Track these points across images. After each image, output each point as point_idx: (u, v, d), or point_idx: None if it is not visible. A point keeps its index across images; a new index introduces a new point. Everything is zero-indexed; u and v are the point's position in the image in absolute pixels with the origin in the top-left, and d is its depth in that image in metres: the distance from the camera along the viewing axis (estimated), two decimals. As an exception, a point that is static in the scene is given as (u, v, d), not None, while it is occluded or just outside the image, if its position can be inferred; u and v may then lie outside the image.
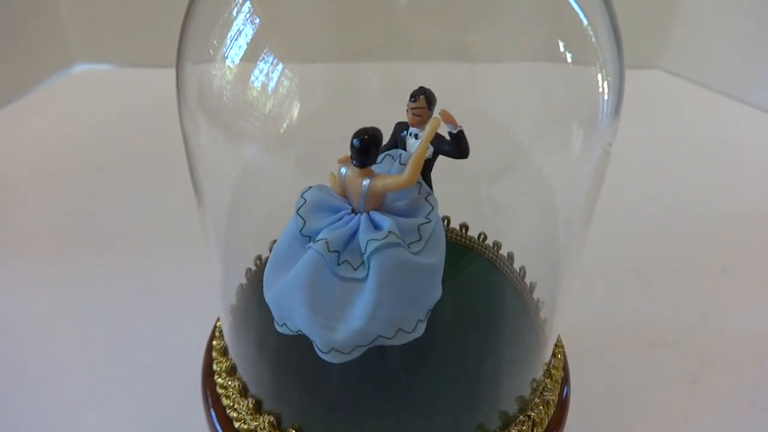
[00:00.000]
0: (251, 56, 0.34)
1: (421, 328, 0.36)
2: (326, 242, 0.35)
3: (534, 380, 0.43)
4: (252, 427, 0.41)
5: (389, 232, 0.34)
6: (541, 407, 0.42)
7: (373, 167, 0.37)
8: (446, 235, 0.39)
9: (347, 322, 0.35)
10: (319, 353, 0.35)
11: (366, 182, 0.35)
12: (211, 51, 0.35)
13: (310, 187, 0.38)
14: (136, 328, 0.68)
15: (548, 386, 0.44)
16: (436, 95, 0.35)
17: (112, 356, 0.65)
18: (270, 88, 0.35)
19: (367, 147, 0.34)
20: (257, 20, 0.34)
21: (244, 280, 0.50)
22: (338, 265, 0.35)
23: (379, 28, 0.35)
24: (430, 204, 0.37)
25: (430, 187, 0.39)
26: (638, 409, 0.61)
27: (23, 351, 0.66)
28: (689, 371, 0.66)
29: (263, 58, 0.35)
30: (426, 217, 0.37)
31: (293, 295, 0.35)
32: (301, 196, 0.37)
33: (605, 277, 0.78)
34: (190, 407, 0.57)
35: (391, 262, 0.34)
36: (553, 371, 0.45)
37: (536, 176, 0.38)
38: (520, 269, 0.49)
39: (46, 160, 1.00)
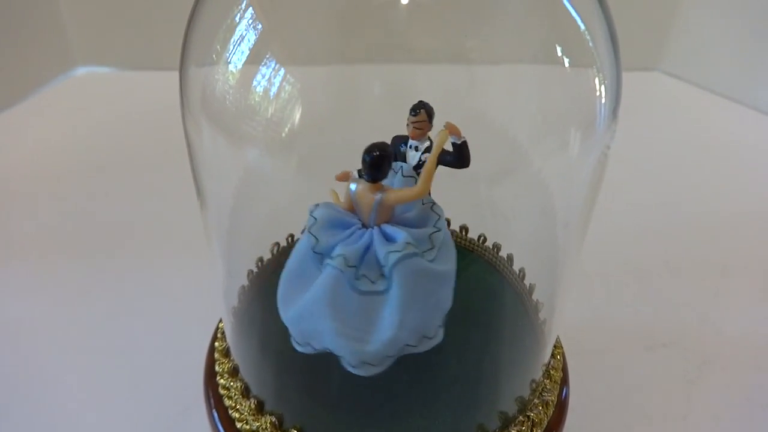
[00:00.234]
0: (254, 61, 0.35)
1: (441, 334, 0.37)
2: (344, 258, 0.35)
3: (533, 381, 0.44)
4: (254, 428, 0.41)
5: (407, 243, 0.35)
6: (541, 408, 0.43)
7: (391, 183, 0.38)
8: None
9: (376, 333, 0.36)
10: (348, 368, 0.36)
11: (379, 197, 0.36)
12: (214, 56, 0.35)
13: (317, 205, 0.38)
14: (138, 330, 0.68)
15: (547, 387, 0.44)
16: (436, 99, 0.35)
17: (113, 358, 0.65)
18: (272, 93, 0.35)
19: (379, 162, 0.34)
20: (260, 26, 0.35)
21: (246, 282, 0.50)
22: (357, 279, 0.36)
23: (380, 33, 0.35)
24: (437, 213, 0.38)
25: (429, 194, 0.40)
26: (637, 410, 0.62)
27: (25, 352, 0.66)
28: (688, 372, 0.66)
29: (265, 63, 0.35)
30: (435, 226, 0.37)
31: (318, 312, 0.36)
32: (311, 215, 0.38)
33: (605, 278, 0.78)
34: (192, 408, 0.57)
35: (413, 272, 0.35)
36: (552, 372, 0.45)
37: (535, 179, 0.39)
38: (519, 271, 0.50)
39: (48, 162, 1.01)
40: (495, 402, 0.42)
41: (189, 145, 0.39)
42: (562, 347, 0.49)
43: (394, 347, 0.36)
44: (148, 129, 1.09)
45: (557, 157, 0.37)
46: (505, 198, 0.37)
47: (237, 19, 0.35)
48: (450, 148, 0.38)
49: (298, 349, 0.38)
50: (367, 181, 0.35)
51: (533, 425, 0.42)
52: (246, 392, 0.43)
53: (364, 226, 0.37)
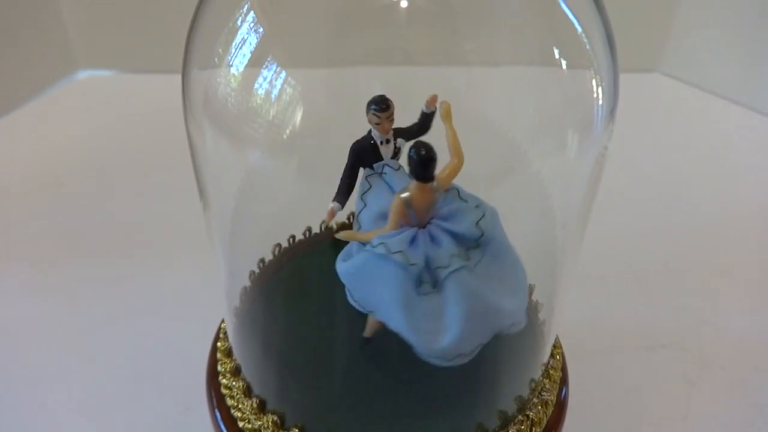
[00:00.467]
0: (255, 64, 0.35)
1: (524, 320, 0.40)
2: (404, 254, 0.36)
3: (532, 380, 0.44)
4: (256, 427, 0.42)
5: (453, 255, 0.36)
6: (540, 407, 0.43)
7: (386, 185, 0.39)
8: None
9: (446, 337, 0.36)
10: (423, 358, 0.37)
11: (435, 184, 0.36)
12: (216, 59, 0.36)
13: (382, 243, 0.38)
14: (141, 330, 0.69)
15: (546, 386, 0.44)
16: (437, 96, 0.36)
17: (116, 358, 0.65)
18: (273, 95, 0.36)
19: (429, 160, 0.35)
20: (261, 29, 0.35)
21: (248, 283, 0.51)
22: (419, 285, 0.37)
23: (380, 36, 0.36)
24: (463, 199, 0.38)
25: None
26: (636, 410, 0.62)
27: (28, 352, 0.66)
28: (687, 373, 0.66)
29: (267, 66, 0.36)
30: (477, 225, 0.37)
31: (391, 308, 0.36)
32: (383, 246, 0.38)
33: (605, 279, 0.78)
34: (194, 408, 0.58)
35: (466, 291, 0.36)
36: (551, 372, 0.46)
37: (533, 179, 0.39)
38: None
39: (51, 164, 1.01)
40: (494, 401, 0.42)
41: (191, 147, 0.39)
42: (561, 347, 0.50)
43: (463, 347, 0.37)
44: (150, 132, 1.09)
45: (555, 157, 0.38)
46: (504, 199, 0.38)
47: (239, 22, 0.35)
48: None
49: (356, 308, 0.39)
50: (420, 180, 0.36)
51: (532, 424, 0.42)
52: (248, 392, 0.44)
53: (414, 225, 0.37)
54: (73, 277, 0.77)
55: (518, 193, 0.39)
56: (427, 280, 0.37)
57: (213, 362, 0.48)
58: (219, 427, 0.44)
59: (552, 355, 0.47)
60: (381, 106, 0.37)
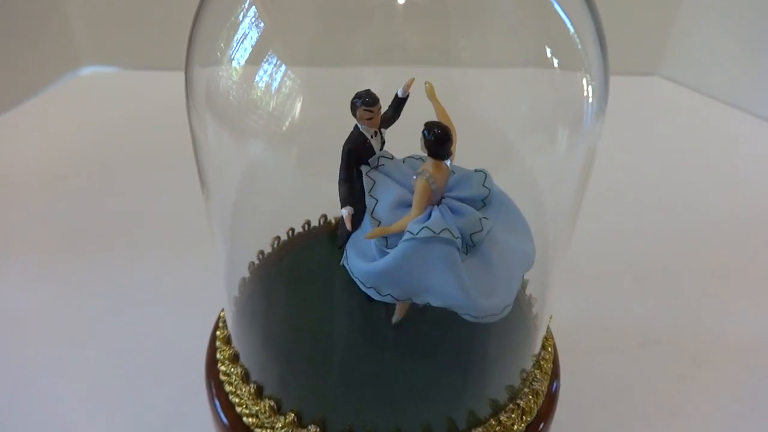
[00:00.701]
0: (256, 58, 0.36)
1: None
2: (449, 230, 0.37)
3: (523, 371, 0.45)
4: (253, 412, 0.43)
5: (483, 218, 0.38)
6: (530, 396, 0.44)
7: (387, 177, 0.40)
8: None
9: (496, 291, 0.39)
10: (469, 318, 0.39)
11: (449, 164, 0.38)
12: (218, 53, 0.37)
13: (422, 227, 0.39)
14: (142, 321, 0.70)
15: (537, 377, 0.45)
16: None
17: (118, 347, 0.67)
18: (273, 89, 0.37)
19: (445, 138, 0.36)
20: (262, 24, 0.36)
21: (246, 274, 0.52)
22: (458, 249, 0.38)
23: (378, 33, 0.37)
24: (457, 170, 0.40)
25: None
26: (627, 406, 0.63)
27: (32, 342, 0.68)
28: (679, 370, 0.67)
29: (267, 60, 0.37)
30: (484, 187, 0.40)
31: (437, 285, 0.38)
32: (429, 230, 0.38)
33: (602, 279, 0.79)
34: (194, 395, 0.59)
35: (498, 244, 0.39)
36: (542, 363, 0.47)
37: (525, 174, 0.40)
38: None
39: (54, 159, 1.02)
40: (485, 390, 0.43)
41: (194, 141, 0.40)
42: (553, 338, 0.51)
43: (509, 299, 0.39)
44: (153, 127, 1.10)
45: (546, 153, 0.39)
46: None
47: (240, 17, 0.36)
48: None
49: (387, 299, 0.39)
50: (436, 158, 0.37)
51: (523, 413, 0.43)
52: (246, 378, 0.45)
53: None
54: (76, 269, 0.78)
55: (511, 187, 0.40)
56: (462, 249, 0.39)
57: (212, 350, 0.49)
58: (217, 412, 0.45)
59: (544, 347, 0.48)
60: (371, 100, 0.37)
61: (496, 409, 0.42)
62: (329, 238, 0.56)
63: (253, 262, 0.52)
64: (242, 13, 0.36)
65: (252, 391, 0.43)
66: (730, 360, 0.69)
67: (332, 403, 0.42)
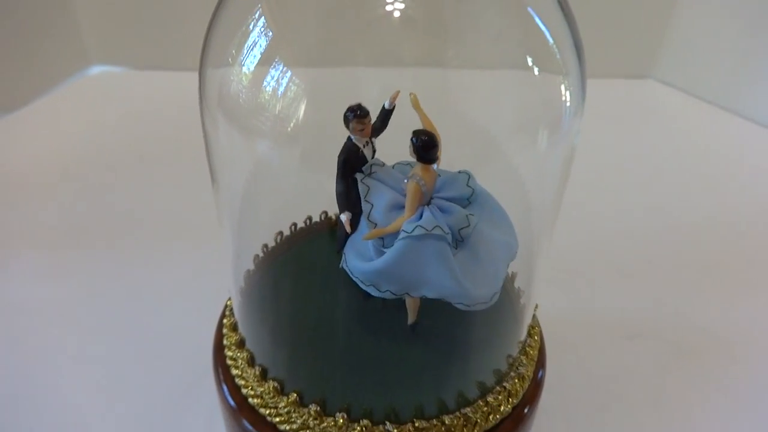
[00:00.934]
0: (264, 64, 0.39)
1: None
2: (440, 227, 0.40)
3: (510, 356, 0.48)
4: (258, 393, 0.46)
5: (469, 215, 0.42)
6: (516, 380, 0.47)
7: (380, 183, 0.43)
8: None
9: (486, 281, 0.42)
10: (461, 307, 0.42)
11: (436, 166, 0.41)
12: (230, 59, 0.40)
13: (416, 227, 0.42)
14: (152, 311, 0.73)
15: (523, 362, 0.48)
16: (422, 99, 0.40)
17: (130, 336, 0.70)
18: (279, 92, 0.40)
19: (431, 144, 0.39)
20: (270, 33, 0.39)
21: (252, 266, 0.55)
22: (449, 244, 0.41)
23: (375, 41, 0.40)
24: (440, 173, 0.43)
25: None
26: (612, 394, 0.65)
27: (46, 331, 0.70)
28: (663, 362, 0.70)
29: (274, 66, 0.40)
30: (468, 186, 0.43)
31: (433, 278, 0.41)
32: (422, 229, 0.41)
33: (591, 276, 0.82)
34: (202, 379, 0.61)
35: (484, 236, 0.42)
36: (528, 349, 0.50)
37: (510, 172, 0.43)
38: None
39: (63, 157, 1.05)
40: (474, 373, 0.46)
41: (206, 138, 0.44)
42: (539, 328, 0.54)
43: (497, 287, 0.43)
44: (160, 126, 1.13)
45: (528, 151, 0.42)
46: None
47: (251, 27, 0.39)
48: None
49: (386, 296, 0.42)
50: (424, 162, 0.40)
51: (509, 395, 0.46)
52: (251, 361, 0.48)
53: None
54: (87, 262, 0.81)
55: (497, 183, 0.43)
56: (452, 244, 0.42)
57: (219, 337, 0.52)
58: (224, 394, 0.48)
59: (530, 335, 0.51)
60: (362, 113, 0.41)
61: (484, 391, 0.45)
62: (329, 233, 0.59)
63: (257, 255, 0.55)
64: (253, 23, 0.39)
65: (257, 373, 0.46)
66: (712, 351, 0.71)
67: (331, 385, 0.45)
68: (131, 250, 0.84)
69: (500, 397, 0.46)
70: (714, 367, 0.70)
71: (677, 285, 0.82)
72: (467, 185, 0.43)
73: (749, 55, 1.24)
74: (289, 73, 0.40)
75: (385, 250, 0.42)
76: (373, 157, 0.44)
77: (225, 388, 0.49)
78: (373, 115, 0.41)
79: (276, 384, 0.45)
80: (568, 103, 0.40)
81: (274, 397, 0.45)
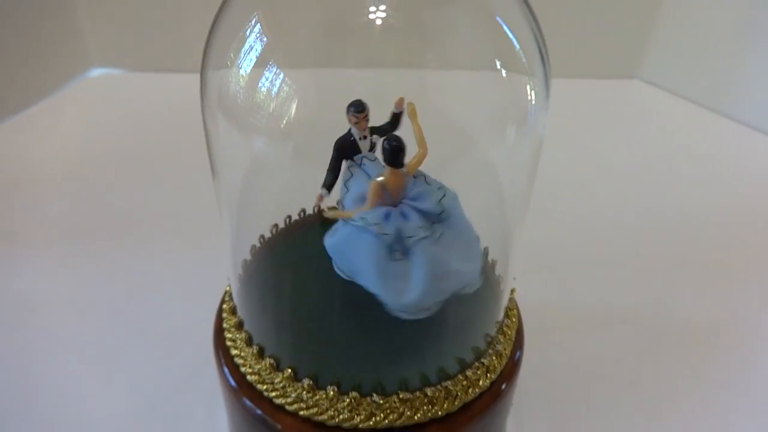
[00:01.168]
0: (259, 66, 0.44)
1: (478, 283, 0.48)
2: (381, 226, 0.44)
3: (488, 335, 0.52)
4: (255, 370, 0.49)
5: (419, 227, 0.44)
6: (494, 357, 0.51)
7: (364, 174, 0.47)
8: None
9: (410, 293, 0.45)
10: (392, 312, 0.45)
11: (405, 170, 0.44)
12: (228, 62, 0.44)
13: (362, 218, 0.46)
14: (154, 303, 0.77)
15: (500, 341, 0.52)
16: (404, 98, 0.45)
17: (135, 326, 0.73)
18: (273, 92, 0.44)
19: (399, 149, 0.43)
20: (265, 38, 0.44)
21: (248, 256, 0.58)
22: (392, 252, 0.45)
23: (360, 45, 0.44)
24: (429, 183, 0.46)
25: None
26: (590, 376, 0.69)
27: (57, 320, 0.74)
28: (640, 346, 0.74)
29: (269, 68, 0.44)
30: (440, 203, 0.46)
31: (369, 273, 0.45)
32: (363, 220, 0.45)
33: (575, 267, 0.86)
34: (203, 368, 0.65)
35: (429, 258, 0.44)
36: (506, 329, 0.53)
37: (484, 162, 0.48)
38: (484, 250, 0.58)
39: (68, 157, 1.08)
40: (454, 350, 0.49)
41: (207, 136, 0.48)
42: (518, 310, 0.58)
43: (426, 302, 0.45)
44: (159, 127, 1.17)
45: (499, 144, 0.46)
46: (462, 178, 0.47)
47: (247, 33, 0.43)
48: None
49: (341, 275, 0.47)
50: (392, 166, 0.44)
51: (487, 371, 0.50)
52: (249, 341, 0.51)
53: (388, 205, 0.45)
54: (92, 257, 0.84)
55: (472, 173, 0.47)
56: (398, 248, 0.45)
57: (219, 321, 0.56)
58: (224, 373, 0.52)
59: (507, 316, 0.55)
60: (358, 108, 0.46)
61: (464, 366, 0.49)
62: (321, 225, 0.62)
63: (254, 245, 0.59)
64: (249, 29, 0.43)
65: (254, 352, 0.50)
66: (688, 338, 0.75)
67: (323, 361, 0.49)
68: (133, 245, 0.87)
69: (479, 372, 0.49)
70: (689, 353, 0.74)
71: (657, 276, 0.86)
72: (439, 203, 0.45)
73: (734, 56, 1.27)
74: (282, 75, 0.44)
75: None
76: (371, 151, 0.48)
77: (226, 370, 0.52)
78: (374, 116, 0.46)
79: (272, 361, 0.48)
80: (533, 101, 0.44)
81: (270, 373, 0.49)
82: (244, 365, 0.51)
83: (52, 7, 1.24)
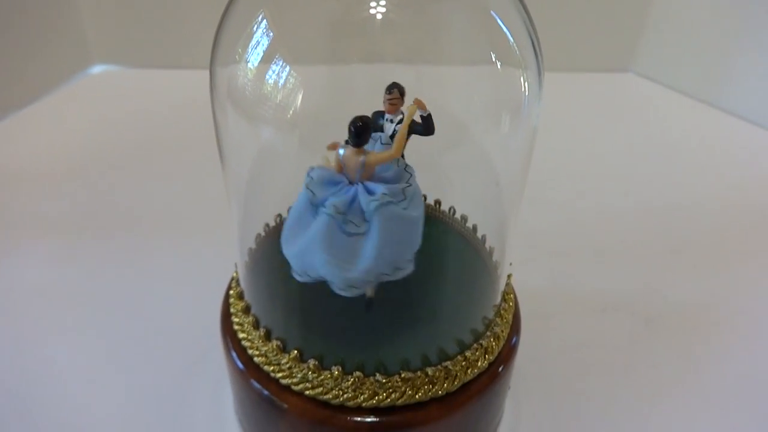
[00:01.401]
0: (266, 60, 0.46)
1: (411, 267, 0.47)
2: (335, 206, 0.45)
3: (486, 318, 0.54)
4: (263, 352, 0.51)
5: (383, 194, 0.45)
6: (492, 339, 0.53)
7: (374, 148, 0.48)
8: (425, 210, 0.49)
9: (359, 264, 0.45)
10: (337, 290, 0.46)
11: (362, 158, 0.45)
12: (236, 56, 0.46)
13: (313, 168, 0.47)
14: (160, 293, 0.78)
15: (498, 323, 0.54)
16: (405, 90, 0.47)
17: (142, 314, 0.75)
18: (280, 84, 0.46)
19: (362, 131, 0.44)
20: (271, 34, 0.46)
21: (254, 245, 0.60)
22: (345, 224, 0.45)
23: (362, 40, 0.46)
24: (409, 172, 0.47)
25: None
26: (584, 361, 0.71)
27: (60, 312, 0.75)
28: (633, 332, 0.75)
29: (275, 62, 0.46)
30: (407, 182, 0.47)
31: (314, 249, 0.45)
32: (308, 174, 0.47)
33: (570, 255, 0.88)
34: (208, 353, 0.67)
35: (389, 217, 0.45)
36: (503, 312, 0.56)
37: (481, 150, 0.50)
38: (482, 237, 0.61)
39: (70, 153, 1.09)
40: (453, 332, 0.51)
41: (216, 127, 0.50)
42: (514, 294, 0.60)
43: (372, 274, 0.46)
44: (161, 123, 1.18)
45: (495, 133, 0.48)
46: (460, 166, 0.49)
47: (255, 28, 0.46)
48: (419, 120, 0.48)
49: (298, 279, 0.48)
50: (353, 146, 0.45)
51: (486, 352, 0.52)
52: (256, 325, 0.53)
53: (351, 183, 0.46)
54: (96, 249, 0.86)
55: (470, 162, 0.49)
56: (353, 220, 0.46)
57: (226, 305, 0.58)
58: (232, 356, 0.54)
59: (504, 300, 0.57)
60: (388, 89, 0.47)
61: (463, 348, 0.51)
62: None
63: (259, 234, 0.61)
64: (256, 24, 0.45)
65: (261, 335, 0.52)
66: (678, 323, 0.77)
67: (328, 342, 0.51)
68: (136, 239, 0.88)
69: (477, 353, 0.51)
70: (683, 339, 0.75)
71: (651, 264, 0.87)
72: (405, 169, 0.46)
73: (727, 49, 1.28)
74: (288, 68, 0.46)
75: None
76: (391, 136, 0.49)
77: (233, 353, 0.54)
78: (361, 108, 0.47)
79: (279, 343, 0.50)
80: (527, 92, 0.47)
81: (277, 354, 0.51)
82: (251, 348, 0.53)
83: (53, 3, 1.25)
